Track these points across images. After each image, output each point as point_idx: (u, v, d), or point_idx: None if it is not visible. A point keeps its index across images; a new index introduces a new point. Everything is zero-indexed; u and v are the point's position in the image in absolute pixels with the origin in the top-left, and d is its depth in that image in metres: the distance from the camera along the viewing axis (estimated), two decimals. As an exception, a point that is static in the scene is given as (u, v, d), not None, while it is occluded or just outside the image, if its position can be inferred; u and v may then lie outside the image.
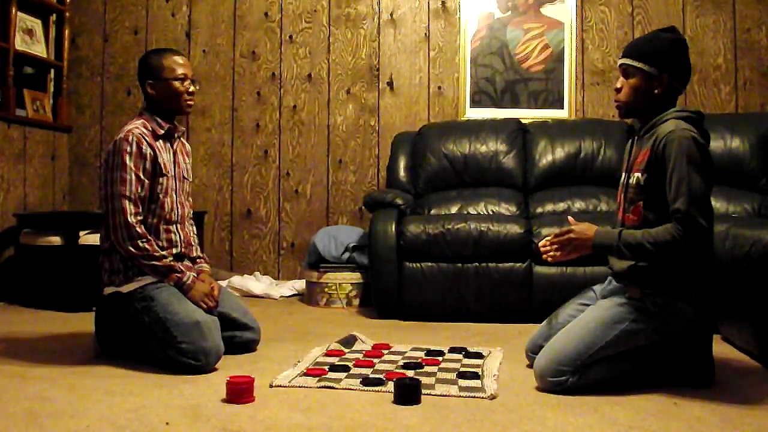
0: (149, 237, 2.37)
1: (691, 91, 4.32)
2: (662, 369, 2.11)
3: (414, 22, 4.51)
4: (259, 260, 4.54)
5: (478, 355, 2.50)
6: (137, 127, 2.43)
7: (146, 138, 2.41)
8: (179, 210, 2.54)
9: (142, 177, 2.38)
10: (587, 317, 2.12)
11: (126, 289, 2.37)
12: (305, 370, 2.25)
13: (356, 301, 3.84)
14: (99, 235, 2.60)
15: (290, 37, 4.56)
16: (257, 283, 4.21)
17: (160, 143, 2.48)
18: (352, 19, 4.53)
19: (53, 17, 4.50)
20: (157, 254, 2.35)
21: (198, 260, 2.62)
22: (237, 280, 4.24)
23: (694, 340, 2.11)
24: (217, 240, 4.56)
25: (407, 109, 4.50)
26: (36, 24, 4.35)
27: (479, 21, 4.44)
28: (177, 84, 2.46)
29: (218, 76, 4.58)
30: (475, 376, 2.19)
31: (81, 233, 3.68)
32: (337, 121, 4.53)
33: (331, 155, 4.53)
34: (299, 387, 2.08)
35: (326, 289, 3.82)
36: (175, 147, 2.58)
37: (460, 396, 2.00)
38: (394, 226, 3.47)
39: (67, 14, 4.51)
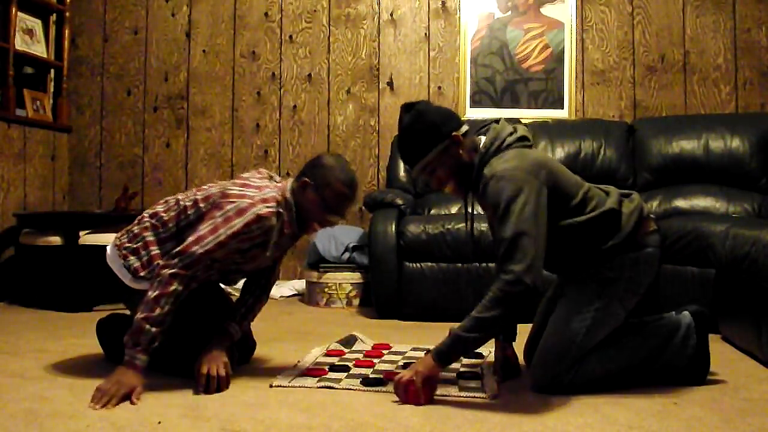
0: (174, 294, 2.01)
1: (691, 91, 4.32)
2: (657, 363, 2.09)
3: (414, 22, 4.51)
4: (259, 260, 4.54)
5: (478, 355, 2.50)
6: (273, 215, 2.07)
7: (266, 234, 2.09)
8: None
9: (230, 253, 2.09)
10: (561, 310, 2.10)
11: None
12: (305, 370, 2.24)
13: (356, 301, 3.84)
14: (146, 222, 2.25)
15: (290, 37, 4.56)
16: (257, 283, 4.20)
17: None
18: (352, 19, 4.53)
19: (53, 17, 4.51)
20: (155, 313, 1.98)
21: (232, 316, 2.27)
22: (237, 280, 4.24)
23: (690, 335, 2.10)
24: (217, 240, 4.55)
25: (407, 109, 4.50)
26: (36, 24, 4.35)
27: (479, 21, 4.44)
28: (330, 215, 2.15)
29: (218, 76, 4.58)
30: (475, 376, 2.19)
31: (81, 233, 3.68)
32: (337, 121, 4.53)
33: (331, 155, 4.53)
34: (299, 387, 2.08)
35: (326, 289, 3.83)
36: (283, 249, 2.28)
37: (460, 396, 2.00)
38: (394, 226, 3.47)
39: (67, 14, 4.51)
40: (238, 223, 2.02)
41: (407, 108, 2.09)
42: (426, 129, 2.03)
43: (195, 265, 2.02)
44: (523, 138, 2.09)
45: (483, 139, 2.08)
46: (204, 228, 2.05)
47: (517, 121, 4.16)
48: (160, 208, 2.26)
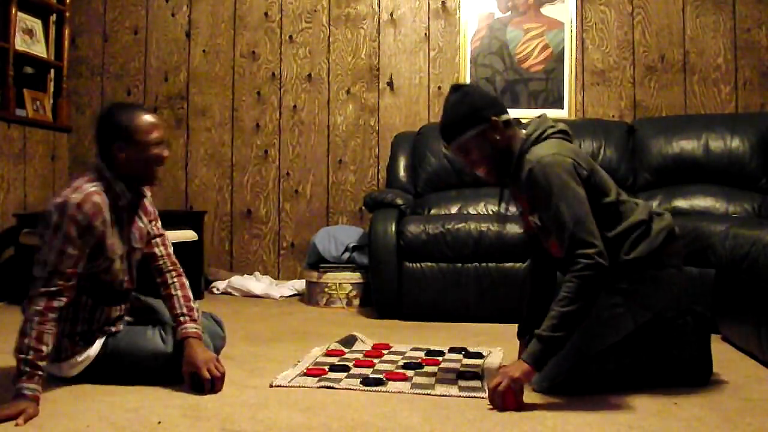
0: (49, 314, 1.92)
1: (691, 91, 4.32)
2: (660, 364, 2.10)
3: (414, 22, 4.51)
4: (259, 260, 4.54)
5: (478, 355, 2.50)
6: (95, 193, 2.00)
7: (100, 212, 2.01)
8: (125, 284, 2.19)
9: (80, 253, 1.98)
10: None
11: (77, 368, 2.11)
12: (305, 370, 2.25)
13: (356, 301, 3.84)
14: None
15: (290, 37, 4.56)
16: (257, 283, 4.21)
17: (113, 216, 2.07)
18: (352, 19, 4.53)
19: (53, 17, 4.50)
20: (24, 343, 1.87)
21: (182, 319, 2.17)
22: (237, 280, 4.24)
23: (692, 335, 2.11)
24: (217, 240, 4.56)
25: (407, 109, 4.50)
26: (36, 24, 4.35)
27: (479, 21, 4.44)
28: (153, 149, 2.06)
29: (218, 76, 4.58)
30: (475, 376, 2.19)
31: (81, 233, 3.67)
32: (337, 121, 4.53)
33: (331, 155, 4.53)
34: (299, 387, 2.09)
35: (326, 289, 3.83)
36: (134, 218, 2.19)
37: (460, 396, 2.00)
38: (394, 226, 3.47)
39: (67, 14, 4.51)
40: (63, 224, 1.94)
41: (455, 88, 2.14)
42: (467, 110, 2.06)
43: (53, 279, 1.93)
44: (564, 132, 2.13)
45: (524, 130, 2.12)
46: (42, 253, 1.96)
47: (518, 122, 4.18)
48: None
